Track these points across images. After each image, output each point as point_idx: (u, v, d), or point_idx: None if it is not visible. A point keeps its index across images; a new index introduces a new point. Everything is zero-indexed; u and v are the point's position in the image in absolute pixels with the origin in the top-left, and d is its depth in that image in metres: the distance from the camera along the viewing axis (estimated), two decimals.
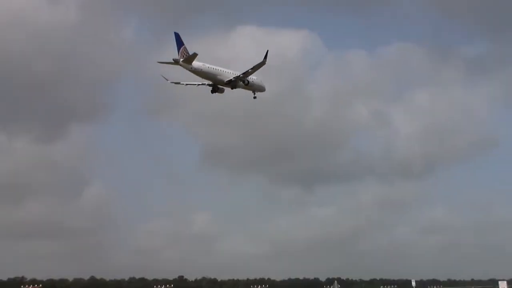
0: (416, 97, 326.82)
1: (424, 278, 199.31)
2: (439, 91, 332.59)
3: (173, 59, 61.52)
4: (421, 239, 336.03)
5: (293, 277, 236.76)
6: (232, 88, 64.96)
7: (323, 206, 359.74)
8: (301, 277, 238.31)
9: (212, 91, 65.69)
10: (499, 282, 77.36)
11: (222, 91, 65.04)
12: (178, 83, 68.14)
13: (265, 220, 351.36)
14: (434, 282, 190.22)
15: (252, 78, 62.53)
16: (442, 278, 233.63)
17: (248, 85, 64.35)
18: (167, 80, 66.86)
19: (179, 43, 62.03)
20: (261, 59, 61.31)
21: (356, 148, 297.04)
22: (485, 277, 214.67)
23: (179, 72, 64.02)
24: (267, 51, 62.24)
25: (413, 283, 77.75)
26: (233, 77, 65.24)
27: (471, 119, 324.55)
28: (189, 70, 62.53)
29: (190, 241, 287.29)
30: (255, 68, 63.87)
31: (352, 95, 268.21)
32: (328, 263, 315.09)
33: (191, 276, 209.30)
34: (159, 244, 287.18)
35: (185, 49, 62.88)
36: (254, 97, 66.32)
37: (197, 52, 61.27)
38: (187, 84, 67.98)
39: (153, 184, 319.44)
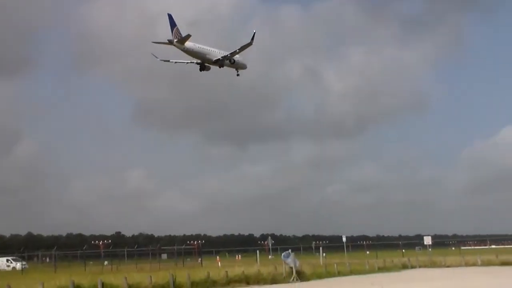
0: (350, 56, 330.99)
1: (354, 234, 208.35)
2: (373, 50, 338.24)
3: (167, 40, 64.37)
4: (352, 196, 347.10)
5: (228, 233, 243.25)
6: (219, 67, 69.00)
7: (256, 164, 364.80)
8: (236, 233, 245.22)
9: (200, 69, 69.01)
10: (424, 237, 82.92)
11: (209, 68, 68.85)
12: (168, 60, 70.30)
13: (199, 177, 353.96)
14: (364, 237, 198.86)
15: (237, 57, 67.91)
16: (371, 234, 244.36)
17: (233, 64, 69.08)
18: (157, 58, 69.53)
19: (172, 24, 64.21)
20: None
21: (289, 107, 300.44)
22: (411, 233, 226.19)
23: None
24: (254, 33, 66.74)
25: (344, 239, 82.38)
26: (221, 57, 68.63)
27: (403, 79, 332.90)
28: (182, 50, 65.87)
29: (125, 197, 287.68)
30: (242, 49, 66.96)
31: (285, 52, 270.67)
32: (262, 220, 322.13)
33: (128, 232, 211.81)
34: (95, 200, 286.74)
35: (178, 30, 65.66)
36: (237, 75, 71.38)
37: (190, 34, 65.23)
38: (176, 62, 70.88)
39: (85, 141, 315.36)
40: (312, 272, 49.26)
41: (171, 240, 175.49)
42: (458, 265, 63.93)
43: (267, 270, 46.31)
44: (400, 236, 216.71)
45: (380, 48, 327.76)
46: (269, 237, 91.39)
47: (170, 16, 65.89)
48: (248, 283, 42.84)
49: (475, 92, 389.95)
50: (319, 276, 48.79)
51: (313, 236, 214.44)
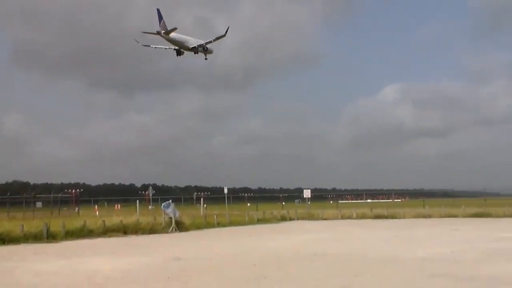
0: (241, 9, 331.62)
1: (237, 186, 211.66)
2: (264, 4, 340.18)
3: (156, 31, 74.33)
4: (236, 149, 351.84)
5: (108, 182, 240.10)
6: (194, 53, 77.74)
7: (142, 113, 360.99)
8: (116, 183, 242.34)
9: (177, 54, 78.28)
10: (304, 191, 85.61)
11: (183, 53, 78.11)
12: (148, 46, 78.13)
13: (81, 124, 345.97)
14: (246, 190, 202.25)
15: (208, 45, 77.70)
16: (254, 186, 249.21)
17: (206, 51, 77.50)
18: (138, 42, 77.82)
19: (160, 17, 73.90)
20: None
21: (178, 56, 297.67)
22: (292, 186, 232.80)
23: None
24: (228, 27, 75.27)
25: (225, 190, 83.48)
26: (197, 45, 77.52)
27: (293, 34, 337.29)
28: (166, 39, 75.61)
29: (1, 143, 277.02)
30: (216, 39, 77.11)
31: (175, 2, 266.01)
32: (145, 170, 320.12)
33: (1, 179, 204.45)
34: None
35: (164, 22, 74.46)
36: (206, 59, 79.23)
37: (176, 27, 75.61)
38: (156, 47, 78.59)
39: None
40: (192, 223, 49.98)
41: (47, 188, 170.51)
42: (335, 218, 66.79)
43: (146, 220, 46.48)
44: (281, 189, 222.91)
45: (271, 2, 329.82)
46: (150, 187, 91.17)
47: (158, 11, 74.21)
48: (125, 232, 42.88)
49: (362, 51, 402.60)
50: (198, 227, 49.58)
51: (196, 187, 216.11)
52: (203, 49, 78.75)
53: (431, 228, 44.76)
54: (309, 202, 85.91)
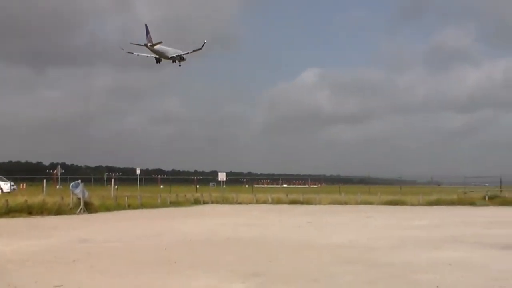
0: None
1: (150, 168, 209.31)
2: None
3: (144, 44, 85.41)
4: (151, 129, 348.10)
5: (14, 160, 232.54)
6: (173, 62, 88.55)
7: (53, 89, 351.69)
8: (23, 161, 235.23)
9: (157, 62, 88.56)
10: (219, 173, 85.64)
11: (161, 61, 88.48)
12: (132, 53, 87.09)
13: None
14: (159, 171, 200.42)
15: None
16: (167, 168, 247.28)
17: (182, 60, 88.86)
18: (123, 49, 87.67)
19: (147, 32, 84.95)
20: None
21: (93, 32, 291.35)
22: (207, 169, 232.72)
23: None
24: (204, 42, 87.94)
25: (138, 171, 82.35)
26: (175, 55, 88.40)
27: (213, 14, 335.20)
28: (151, 50, 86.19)
29: None
30: (194, 51, 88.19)
31: None
32: (53, 148, 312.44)
33: None
34: None
35: (150, 36, 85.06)
36: (179, 65, 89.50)
37: (162, 41, 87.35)
38: (138, 55, 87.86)
39: None
40: (101, 204, 48.95)
41: None
42: (250, 202, 66.90)
43: (52, 200, 45.10)
44: (196, 171, 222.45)
45: None
46: (59, 166, 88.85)
47: (146, 26, 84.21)
48: (30, 213, 41.50)
49: (281, 35, 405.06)
50: (108, 208, 48.63)
51: (107, 167, 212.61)
52: (180, 58, 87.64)
53: (347, 215, 45.40)
54: (224, 186, 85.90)
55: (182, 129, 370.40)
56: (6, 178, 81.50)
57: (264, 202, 66.89)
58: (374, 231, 30.46)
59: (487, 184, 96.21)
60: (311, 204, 64.93)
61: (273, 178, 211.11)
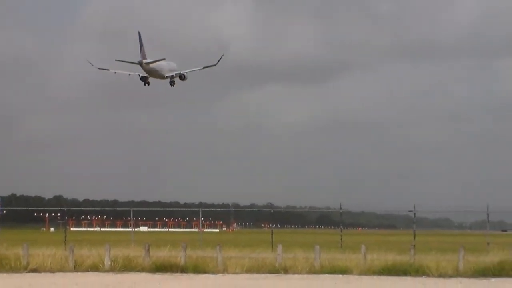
0: None
1: None
2: None
3: (138, 62, 67.82)
4: None
5: None
6: (170, 84, 72.13)
7: None
8: None
9: (144, 83, 71.79)
10: None
11: (149, 83, 72.15)
12: (107, 69, 71.05)
13: None
14: None
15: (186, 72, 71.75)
16: None
17: (183, 79, 71.59)
18: (92, 64, 70.80)
19: (141, 43, 67.93)
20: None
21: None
22: None
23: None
24: (222, 55, 71.35)
25: None
26: (174, 74, 71.65)
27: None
28: (145, 70, 69.11)
29: None
30: (205, 68, 72.06)
31: None
32: None
33: None
34: None
35: (144, 50, 68.44)
36: (172, 86, 72.80)
37: (164, 58, 69.76)
38: (116, 72, 71.07)
39: None
40: None
41: None
42: None
43: None
44: None
45: None
46: None
47: (139, 34, 69.18)
48: None
49: None
50: None
51: None
52: (180, 77, 72.33)
53: None
54: None
55: None
56: None
57: None
58: None
59: None
60: None
61: None
